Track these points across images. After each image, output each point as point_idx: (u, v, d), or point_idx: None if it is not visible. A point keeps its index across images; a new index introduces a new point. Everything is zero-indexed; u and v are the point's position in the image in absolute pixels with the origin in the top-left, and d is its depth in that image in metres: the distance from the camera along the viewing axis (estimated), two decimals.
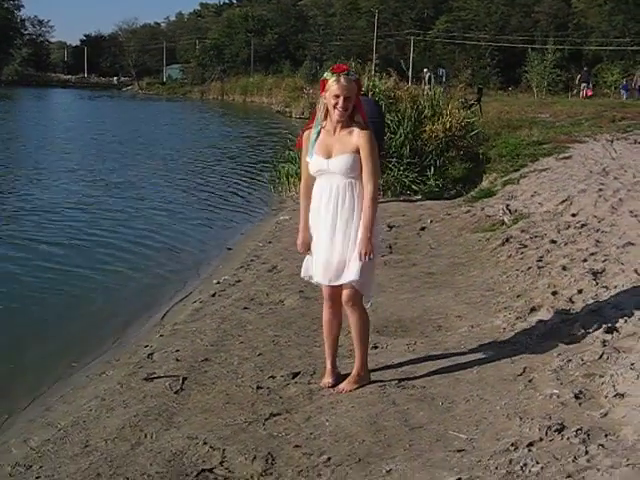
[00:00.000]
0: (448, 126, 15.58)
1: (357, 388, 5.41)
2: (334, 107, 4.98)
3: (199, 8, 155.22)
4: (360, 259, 5.03)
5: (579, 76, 50.64)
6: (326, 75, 5.05)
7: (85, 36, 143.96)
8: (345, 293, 5.22)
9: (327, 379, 5.55)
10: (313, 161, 5.14)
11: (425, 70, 45.40)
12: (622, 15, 74.90)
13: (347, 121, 5.07)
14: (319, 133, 5.15)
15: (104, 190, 17.65)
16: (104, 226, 13.37)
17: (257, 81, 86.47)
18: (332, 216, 5.11)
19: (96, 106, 67.86)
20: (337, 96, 4.95)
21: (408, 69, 18.18)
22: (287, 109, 57.75)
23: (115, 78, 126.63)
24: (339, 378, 5.55)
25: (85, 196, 16.63)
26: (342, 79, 4.94)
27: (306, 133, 5.26)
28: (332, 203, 5.11)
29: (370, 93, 16.11)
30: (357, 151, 5.05)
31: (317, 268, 5.24)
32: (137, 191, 17.67)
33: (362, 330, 5.41)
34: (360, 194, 5.10)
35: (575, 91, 56.41)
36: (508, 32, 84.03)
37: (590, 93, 46.27)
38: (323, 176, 5.15)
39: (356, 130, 5.07)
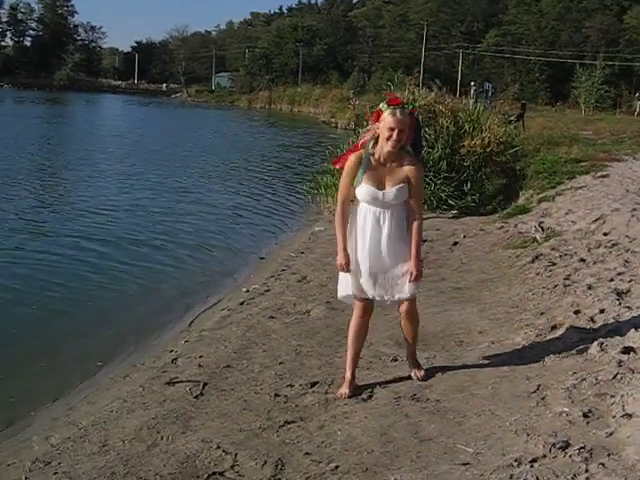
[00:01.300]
0: (487, 142, 15.56)
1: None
2: (387, 139, 5.15)
3: (250, 17, 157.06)
4: (415, 278, 5.43)
5: (637, 94, 49.88)
6: (382, 106, 5.22)
7: (136, 43, 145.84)
8: (406, 307, 5.57)
9: (345, 390, 5.64)
10: (364, 190, 5.31)
11: (472, 83, 45.37)
12: None
13: (398, 150, 5.26)
14: (369, 161, 5.29)
15: (151, 194, 18.52)
16: (144, 230, 13.89)
17: (304, 91, 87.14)
18: (390, 238, 5.38)
19: (147, 112, 69.03)
20: (392, 129, 5.12)
21: (441, 88, 18.14)
22: (333, 119, 58.06)
23: (164, 85, 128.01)
24: (356, 390, 5.65)
25: (133, 199, 17.51)
26: (398, 112, 5.12)
27: (352, 157, 5.37)
28: (387, 226, 5.37)
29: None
30: (407, 181, 5.31)
31: (371, 284, 5.48)
32: (182, 197, 18.35)
33: (417, 331, 5.84)
34: (406, 215, 5.43)
35: (624, 107, 55.90)
36: (558, 47, 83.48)
37: None
38: (376, 205, 5.36)
39: (406, 162, 5.31)
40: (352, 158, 5.35)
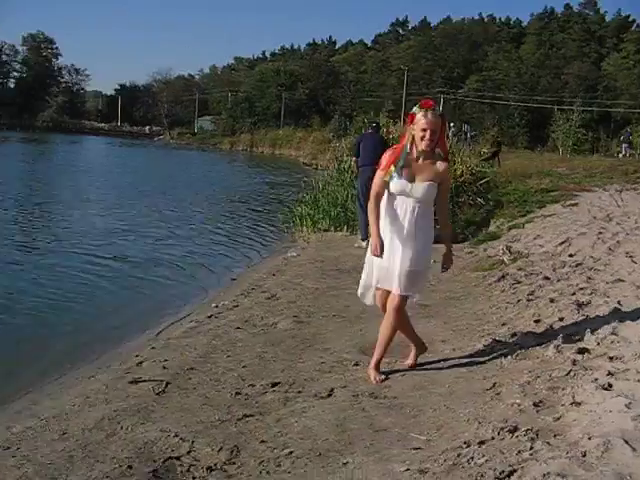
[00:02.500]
0: (459, 173, 15.82)
1: None
2: (421, 139, 5.49)
3: (233, 62, 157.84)
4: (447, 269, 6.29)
5: (621, 137, 50.50)
6: (415, 110, 5.57)
7: (120, 85, 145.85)
8: (397, 299, 5.88)
9: (411, 360, 6.38)
10: (396, 182, 5.62)
11: (451, 124, 46.22)
12: None
13: (430, 151, 5.58)
14: (405, 159, 5.60)
15: (142, 221, 19.21)
16: (130, 251, 14.48)
17: (286, 134, 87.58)
18: (408, 232, 5.70)
19: (132, 153, 69.40)
20: (424, 130, 5.47)
21: None
22: (314, 161, 58.35)
23: (147, 127, 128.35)
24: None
25: (123, 226, 18.08)
26: (429, 114, 5.48)
27: (391, 159, 5.67)
28: (409, 220, 5.70)
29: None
30: (437, 180, 5.66)
31: (388, 275, 5.82)
32: (169, 225, 18.89)
33: (392, 331, 6.08)
34: (423, 214, 5.73)
35: (602, 151, 56.49)
36: (537, 92, 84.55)
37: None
38: (402, 196, 5.66)
39: (439, 162, 5.67)
40: (390, 159, 5.66)
